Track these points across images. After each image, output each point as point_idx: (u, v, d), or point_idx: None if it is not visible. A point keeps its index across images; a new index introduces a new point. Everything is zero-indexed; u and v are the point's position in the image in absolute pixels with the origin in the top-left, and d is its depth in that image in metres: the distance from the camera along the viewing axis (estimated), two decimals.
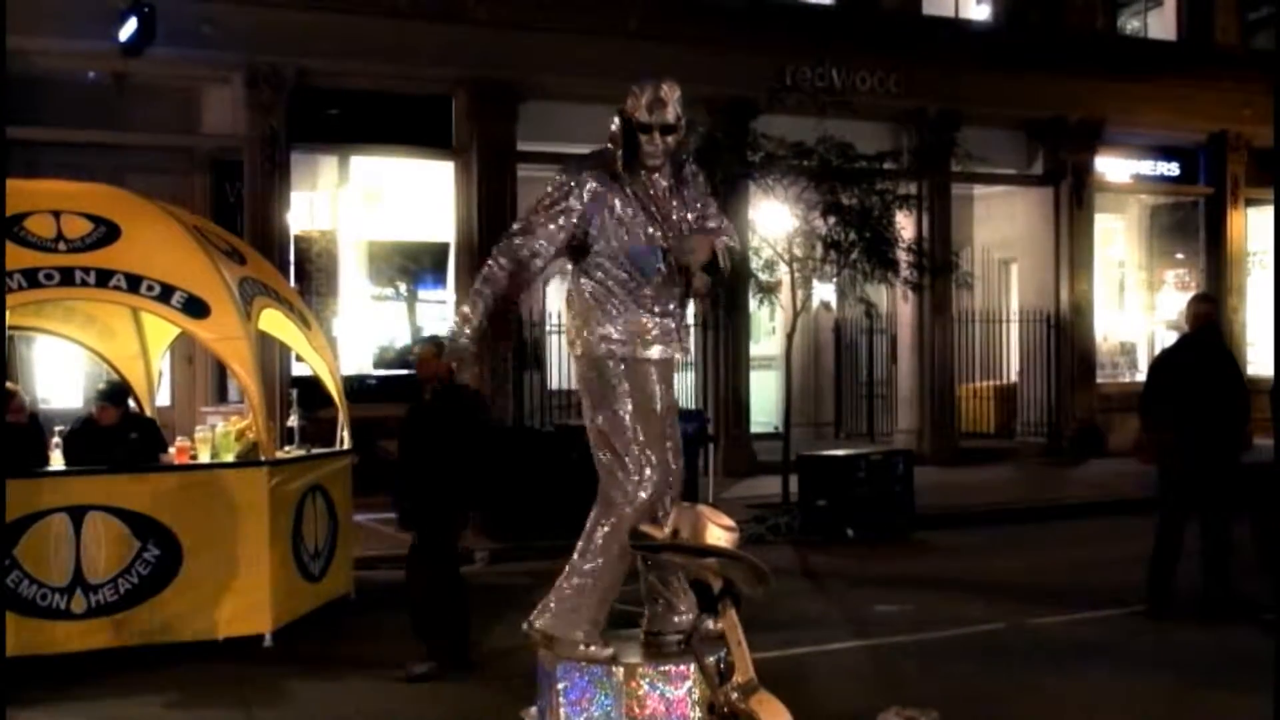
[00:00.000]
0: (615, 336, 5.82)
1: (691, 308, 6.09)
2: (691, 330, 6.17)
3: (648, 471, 5.77)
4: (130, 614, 8.67)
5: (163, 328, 10.72)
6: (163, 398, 13.43)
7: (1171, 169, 22.79)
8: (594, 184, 5.78)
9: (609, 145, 5.83)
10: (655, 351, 5.87)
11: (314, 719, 7.73)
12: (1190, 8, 22.23)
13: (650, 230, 5.80)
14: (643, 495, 5.75)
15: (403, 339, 17.73)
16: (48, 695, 7.65)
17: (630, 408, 5.81)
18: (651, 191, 5.85)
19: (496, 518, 13.16)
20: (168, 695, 7.84)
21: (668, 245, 5.81)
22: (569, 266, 6.06)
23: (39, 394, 14.57)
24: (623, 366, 5.83)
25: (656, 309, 5.85)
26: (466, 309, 5.85)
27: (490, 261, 5.88)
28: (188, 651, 8.66)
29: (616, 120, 5.82)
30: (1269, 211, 23.28)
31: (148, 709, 7.68)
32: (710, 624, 5.46)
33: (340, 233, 17.04)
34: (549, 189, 5.88)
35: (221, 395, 15.69)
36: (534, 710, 5.82)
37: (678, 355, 6.00)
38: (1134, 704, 7.66)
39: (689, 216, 5.93)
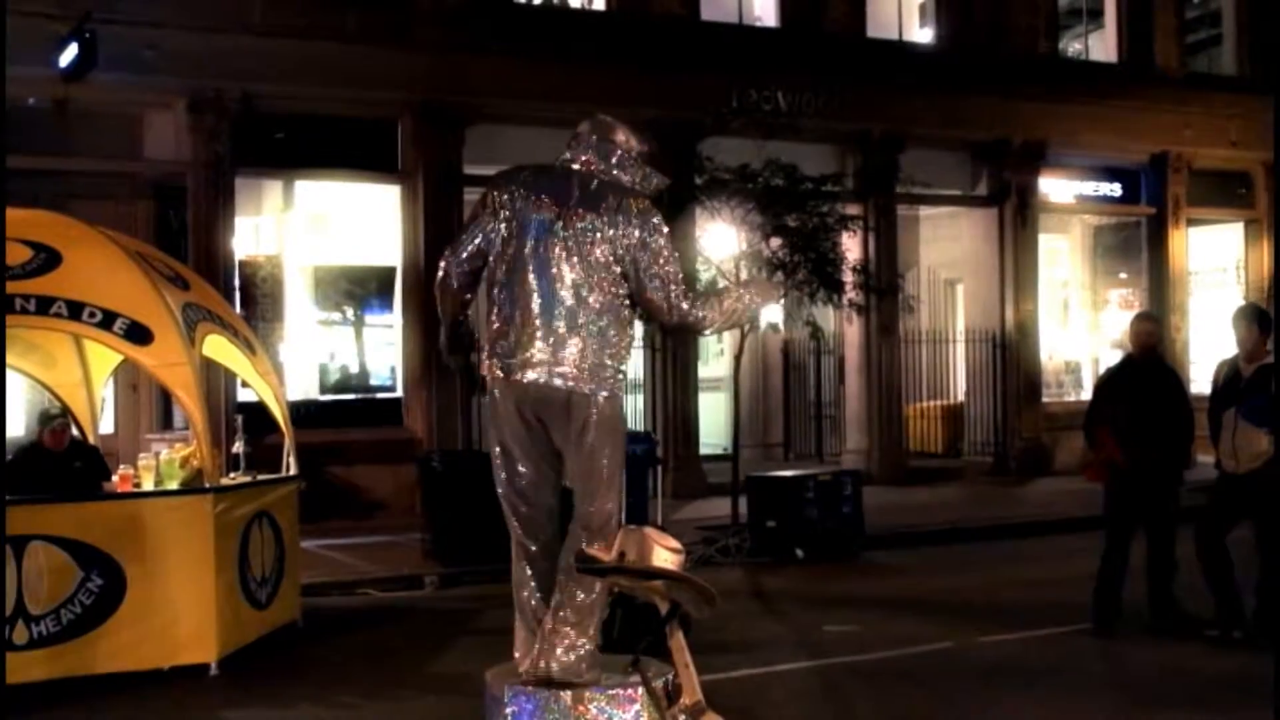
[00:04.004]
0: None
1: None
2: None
3: None
4: (73, 644, 8.54)
5: (105, 354, 10.61)
6: (106, 425, 13.28)
7: (1114, 189, 23.02)
8: None
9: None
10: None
11: None
12: (1131, 31, 22.50)
13: None
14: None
15: (350, 363, 17.65)
16: None
17: None
18: None
19: (445, 542, 13.10)
20: None
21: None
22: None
23: None
24: None
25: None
26: None
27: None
28: (133, 681, 8.56)
29: None
30: (1210, 231, 23.66)
31: None
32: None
33: (286, 257, 16.94)
34: None
35: (166, 422, 15.55)
36: None
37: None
38: None
39: None
